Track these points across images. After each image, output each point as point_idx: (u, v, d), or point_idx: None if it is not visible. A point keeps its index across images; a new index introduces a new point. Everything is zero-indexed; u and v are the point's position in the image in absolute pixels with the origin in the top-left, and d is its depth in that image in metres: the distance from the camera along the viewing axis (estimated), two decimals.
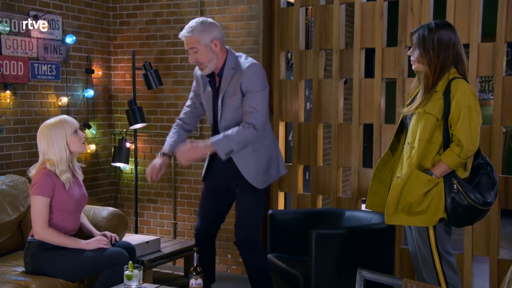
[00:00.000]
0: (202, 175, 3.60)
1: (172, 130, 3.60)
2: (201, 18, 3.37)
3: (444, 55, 2.88)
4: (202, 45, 3.28)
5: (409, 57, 3.05)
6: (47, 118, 4.34)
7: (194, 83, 3.63)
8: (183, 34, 3.35)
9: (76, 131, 3.27)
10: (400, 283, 2.21)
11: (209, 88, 3.45)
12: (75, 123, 3.29)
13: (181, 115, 3.66)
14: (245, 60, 3.39)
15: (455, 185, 2.84)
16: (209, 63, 3.32)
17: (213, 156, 3.43)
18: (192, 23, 3.34)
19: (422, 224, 2.93)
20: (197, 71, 3.51)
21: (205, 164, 3.59)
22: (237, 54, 3.43)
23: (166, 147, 3.50)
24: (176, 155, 3.32)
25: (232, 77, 3.33)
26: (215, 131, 3.45)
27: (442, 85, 2.89)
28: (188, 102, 3.66)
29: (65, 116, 3.32)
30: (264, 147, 3.41)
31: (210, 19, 3.36)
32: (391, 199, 2.97)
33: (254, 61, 3.39)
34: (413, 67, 3.03)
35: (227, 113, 3.36)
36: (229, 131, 3.27)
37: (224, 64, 3.36)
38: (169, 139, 3.55)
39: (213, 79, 3.42)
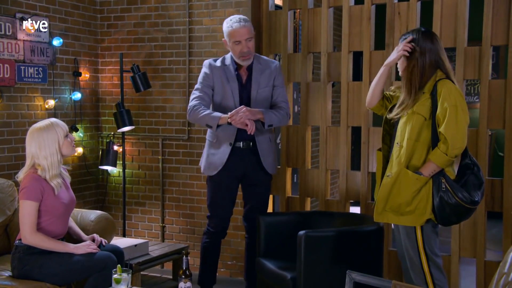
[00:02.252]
0: (214, 172, 3.73)
1: (201, 107, 3.67)
2: (240, 15, 3.76)
3: (423, 60, 3.00)
4: (253, 35, 3.68)
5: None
6: (34, 121, 4.31)
7: (205, 76, 3.77)
8: (242, 25, 3.63)
9: (67, 135, 3.25)
10: (389, 285, 2.22)
11: (235, 80, 3.71)
12: (65, 126, 3.28)
13: (199, 101, 3.70)
14: (268, 58, 3.90)
15: (444, 184, 2.90)
16: (253, 52, 3.73)
17: (231, 152, 3.70)
18: (240, 16, 3.69)
19: (409, 223, 2.99)
20: (213, 63, 3.77)
21: (217, 160, 3.72)
22: None
23: (218, 115, 3.60)
24: (236, 113, 3.54)
25: (262, 71, 3.73)
26: None
27: (430, 86, 3.00)
28: (197, 96, 3.72)
29: (55, 119, 3.29)
30: (274, 138, 3.91)
31: None
32: (380, 197, 3.04)
33: None
34: (400, 73, 3.17)
35: (259, 103, 3.72)
36: (273, 110, 3.73)
37: (253, 59, 3.74)
38: (208, 111, 3.65)
39: (238, 72, 3.73)
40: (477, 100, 7.47)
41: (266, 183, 3.88)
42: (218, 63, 3.79)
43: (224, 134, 3.71)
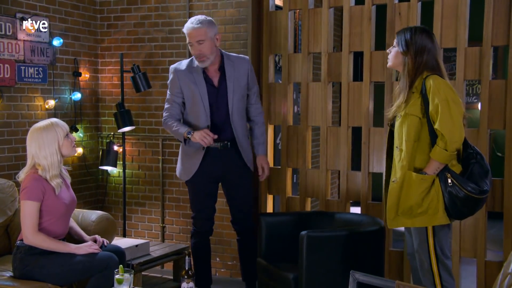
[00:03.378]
0: (189, 176, 3.72)
1: (174, 123, 3.67)
2: (203, 16, 3.66)
3: (420, 58, 3.00)
4: (209, 37, 3.57)
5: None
6: (34, 122, 4.31)
7: (171, 83, 3.74)
8: (191, 26, 3.57)
9: (67, 135, 3.25)
10: (393, 285, 2.22)
11: (203, 83, 3.63)
12: (66, 126, 3.27)
13: (168, 114, 3.72)
14: (238, 55, 3.82)
15: (449, 179, 2.89)
16: (211, 55, 3.60)
17: (205, 155, 3.67)
18: (198, 17, 3.61)
19: (423, 224, 2.98)
20: (178, 67, 3.71)
21: (191, 165, 3.70)
22: (222, 50, 3.78)
23: (181, 132, 3.60)
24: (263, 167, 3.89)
25: (235, 70, 3.66)
26: (220, 122, 3.66)
27: (418, 85, 3.00)
28: (166, 108, 3.75)
29: (55, 119, 3.29)
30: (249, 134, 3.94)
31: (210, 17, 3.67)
32: (390, 203, 3.03)
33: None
34: (388, 64, 3.19)
35: (237, 103, 3.68)
36: (261, 133, 3.90)
37: (222, 59, 3.67)
38: (175, 127, 3.65)
39: (206, 75, 3.66)
40: (475, 100, 7.49)
41: (249, 181, 3.85)
42: (183, 66, 3.72)
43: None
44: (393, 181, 3.03)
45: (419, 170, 2.97)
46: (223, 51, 3.77)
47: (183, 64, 3.74)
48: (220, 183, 3.85)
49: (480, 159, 2.97)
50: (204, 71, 3.67)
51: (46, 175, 3.16)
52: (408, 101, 2.98)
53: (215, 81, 3.69)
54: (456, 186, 2.88)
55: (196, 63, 3.66)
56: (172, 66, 3.77)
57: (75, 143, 3.35)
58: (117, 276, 2.85)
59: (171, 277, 4.38)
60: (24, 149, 4.22)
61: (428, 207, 2.94)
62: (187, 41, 3.63)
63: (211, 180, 3.76)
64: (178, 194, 4.82)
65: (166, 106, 3.77)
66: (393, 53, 3.10)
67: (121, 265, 2.91)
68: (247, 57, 3.85)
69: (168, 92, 3.79)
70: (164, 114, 3.75)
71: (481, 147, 3.80)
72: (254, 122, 3.90)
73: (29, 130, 3.24)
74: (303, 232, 3.20)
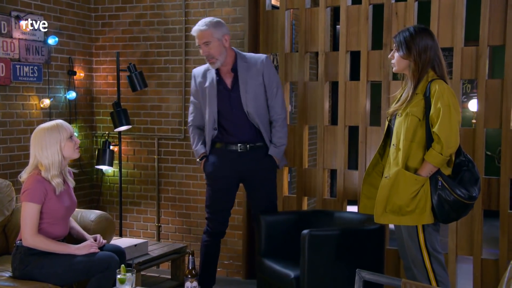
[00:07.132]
0: (210, 169, 3.75)
1: (195, 136, 3.83)
2: (212, 17, 3.69)
3: (425, 56, 3.02)
4: (216, 38, 3.59)
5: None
6: (30, 121, 4.30)
7: (191, 88, 3.84)
8: (197, 28, 3.62)
9: (71, 137, 3.23)
10: (398, 283, 2.24)
11: (214, 84, 3.68)
12: (70, 128, 3.25)
13: (192, 120, 3.85)
14: (255, 54, 3.80)
15: (440, 182, 2.94)
16: (220, 56, 3.62)
17: (224, 157, 3.71)
18: (206, 19, 3.64)
19: (410, 223, 3.01)
20: (196, 72, 3.78)
21: (207, 158, 3.78)
22: (237, 50, 3.76)
23: (201, 150, 3.78)
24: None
25: (248, 69, 3.64)
26: (239, 123, 3.68)
27: (422, 87, 3.02)
28: (190, 113, 3.87)
29: (61, 121, 3.27)
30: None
31: (219, 19, 3.72)
32: (379, 198, 3.06)
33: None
34: (393, 69, 3.18)
35: (252, 103, 3.65)
36: (277, 136, 3.73)
37: (236, 59, 3.67)
38: (198, 142, 3.81)
39: (220, 77, 3.69)
40: (465, 99, 7.55)
41: (270, 183, 3.83)
42: (201, 68, 3.78)
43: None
44: (386, 177, 3.05)
45: (411, 171, 2.99)
46: (239, 51, 3.75)
47: (202, 67, 3.79)
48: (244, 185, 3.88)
49: (471, 167, 3.02)
50: (219, 73, 3.69)
51: (48, 175, 3.15)
52: (411, 101, 3.01)
53: (229, 83, 3.69)
54: (446, 189, 2.92)
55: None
56: (193, 71, 3.84)
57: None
58: (119, 276, 2.84)
59: (169, 277, 4.37)
60: (20, 148, 4.22)
61: (416, 207, 2.97)
62: (196, 44, 3.66)
63: (229, 182, 3.76)
64: (174, 194, 4.81)
65: (190, 109, 3.86)
66: (396, 58, 3.10)
67: (122, 265, 2.90)
68: (264, 55, 3.76)
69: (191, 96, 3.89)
70: (189, 119, 3.86)
71: (478, 146, 3.85)
72: (272, 124, 3.79)
73: (34, 130, 3.24)
74: (305, 231, 3.20)
